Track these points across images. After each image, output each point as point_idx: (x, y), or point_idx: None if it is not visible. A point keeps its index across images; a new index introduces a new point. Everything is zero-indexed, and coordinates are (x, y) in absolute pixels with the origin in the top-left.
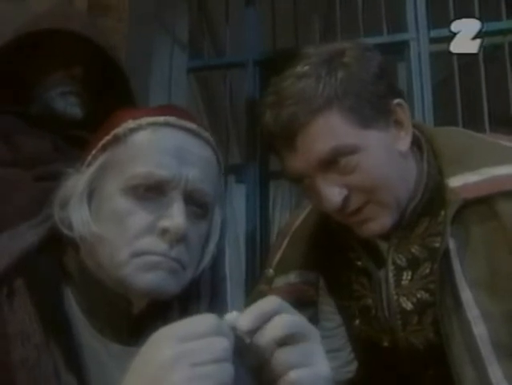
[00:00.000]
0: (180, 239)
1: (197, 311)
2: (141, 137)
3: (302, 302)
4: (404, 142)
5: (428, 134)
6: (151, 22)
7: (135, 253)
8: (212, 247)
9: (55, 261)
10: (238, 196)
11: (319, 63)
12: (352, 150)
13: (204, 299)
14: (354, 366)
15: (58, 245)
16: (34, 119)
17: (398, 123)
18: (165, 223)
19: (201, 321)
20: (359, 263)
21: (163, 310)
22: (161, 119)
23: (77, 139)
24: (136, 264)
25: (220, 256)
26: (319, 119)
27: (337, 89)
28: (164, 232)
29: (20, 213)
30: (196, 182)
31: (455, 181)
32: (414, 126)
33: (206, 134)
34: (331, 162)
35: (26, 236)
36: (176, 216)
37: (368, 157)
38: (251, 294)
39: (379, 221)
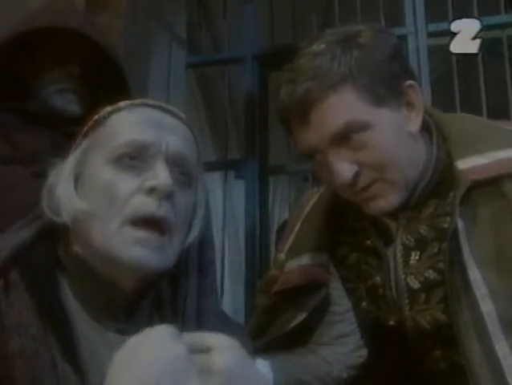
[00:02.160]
0: (168, 196)
1: (186, 292)
2: (120, 116)
3: (315, 284)
4: (414, 123)
5: (437, 118)
6: (149, 18)
7: (126, 220)
8: (199, 219)
9: (49, 253)
10: (238, 192)
11: (335, 42)
12: (364, 126)
13: (192, 279)
14: (365, 351)
15: (51, 237)
16: (33, 116)
17: (409, 104)
18: (152, 182)
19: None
20: (369, 242)
21: (155, 296)
22: (138, 101)
23: (75, 135)
24: (125, 235)
25: (207, 242)
26: (333, 95)
27: (352, 67)
28: (151, 190)
29: (20, 210)
30: (176, 147)
31: (464, 164)
32: (424, 110)
33: (182, 115)
34: (343, 138)
35: (19, 234)
36: (160, 174)
37: (379, 134)
38: (263, 280)
39: (387, 199)
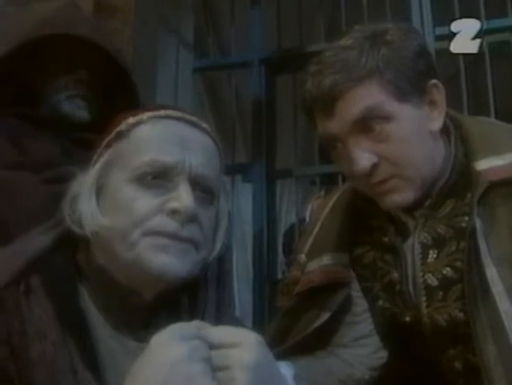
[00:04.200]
0: (191, 219)
1: (206, 303)
2: (143, 130)
3: (336, 283)
4: (436, 122)
5: (455, 120)
6: (156, 23)
7: (146, 233)
8: (222, 233)
9: (70, 260)
10: (245, 196)
11: (363, 38)
12: (386, 116)
13: (211, 291)
14: (385, 352)
15: (71, 245)
16: (42, 123)
17: (432, 103)
18: (174, 204)
19: (185, 326)
20: (386, 239)
21: (174, 305)
22: (161, 112)
23: (84, 141)
24: (147, 242)
25: (226, 251)
26: (359, 87)
27: (379, 62)
28: (173, 212)
29: (31, 216)
30: (199, 167)
31: (481, 165)
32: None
33: (206, 125)
34: (364, 125)
35: (40, 239)
36: (183, 197)
37: (400, 128)
38: (284, 281)
39: (402, 194)
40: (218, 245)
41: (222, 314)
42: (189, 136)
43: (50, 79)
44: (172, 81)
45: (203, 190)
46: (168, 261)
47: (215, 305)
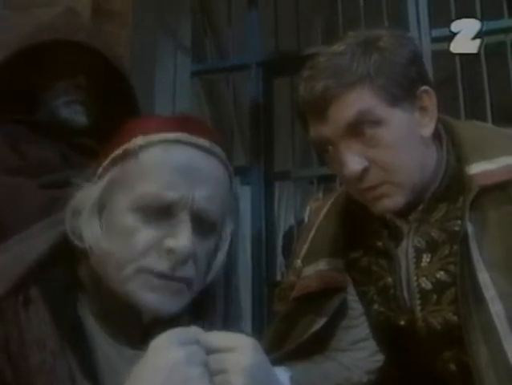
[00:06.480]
0: (185, 260)
1: (212, 321)
2: (151, 155)
3: (332, 288)
4: (427, 128)
5: (447, 124)
6: (154, 26)
7: (140, 270)
8: (220, 259)
9: (68, 268)
10: (243, 198)
11: (356, 44)
12: (377, 120)
13: (219, 308)
14: (382, 355)
15: (70, 252)
16: (41, 128)
17: (423, 109)
18: (171, 243)
19: (183, 331)
20: (380, 244)
21: (175, 320)
22: (172, 136)
23: (83, 146)
24: (140, 281)
25: (233, 267)
26: (351, 92)
27: (370, 69)
28: (169, 252)
29: (28, 221)
30: (202, 202)
31: (473, 169)
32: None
33: (218, 149)
34: (356, 129)
35: (39, 240)
36: (181, 237)
37: (390, 134)
38: (281, 286)
39: (393, 199)
40: (215, 270)
41: (228, 327)
42: (198, 167)
43: (49, 84)
44: (171, 85)
45: (205, 224)
46: (158, 302)
47: (222, 321)
